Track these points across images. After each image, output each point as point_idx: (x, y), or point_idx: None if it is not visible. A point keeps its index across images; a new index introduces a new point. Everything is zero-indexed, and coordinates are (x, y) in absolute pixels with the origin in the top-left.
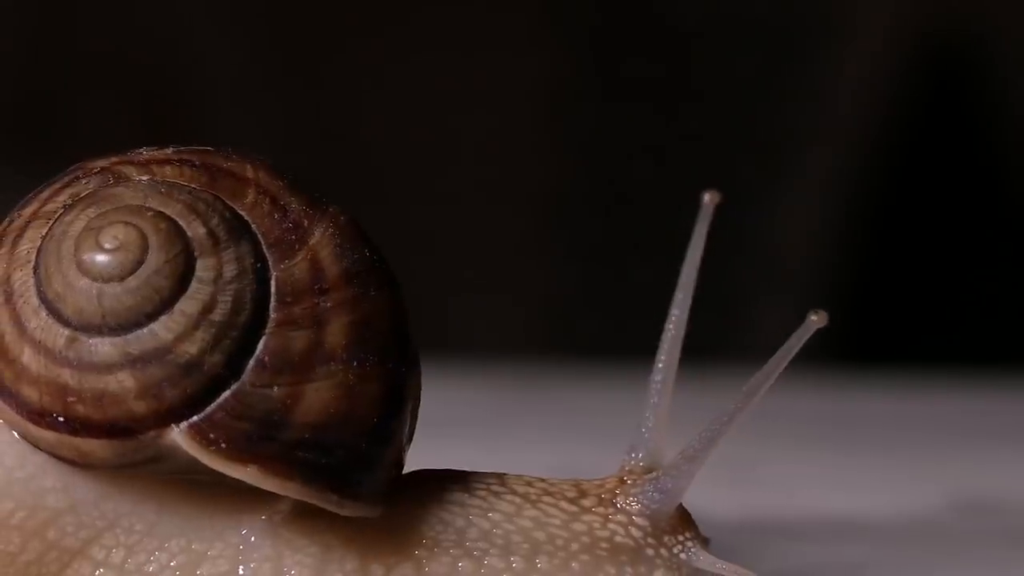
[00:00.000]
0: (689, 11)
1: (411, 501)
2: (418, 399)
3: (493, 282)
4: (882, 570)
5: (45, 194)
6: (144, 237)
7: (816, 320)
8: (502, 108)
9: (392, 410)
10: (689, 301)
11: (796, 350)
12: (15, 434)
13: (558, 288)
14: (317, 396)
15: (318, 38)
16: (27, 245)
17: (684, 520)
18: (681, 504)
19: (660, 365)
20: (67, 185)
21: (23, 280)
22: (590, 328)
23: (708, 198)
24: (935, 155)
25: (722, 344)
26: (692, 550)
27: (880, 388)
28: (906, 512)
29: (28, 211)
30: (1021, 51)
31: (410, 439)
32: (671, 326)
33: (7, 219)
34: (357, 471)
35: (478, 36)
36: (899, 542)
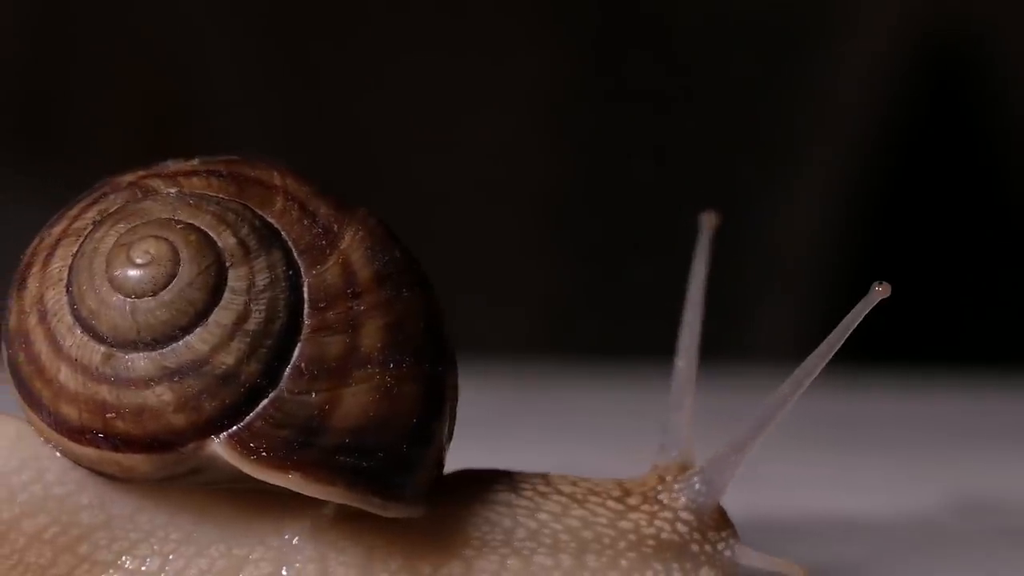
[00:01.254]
0: (690, 12)
1: (456, 502)
2: (456, 398)
3: (494, 282)
4: (882, 570)
5: (73, 211)
6: (175, 250)
7: (880, 291)
8: (503, 109)
9: (431, 410)
10: (702, 302)
11: (855, 325)
12: (57, 450)
13: (558, 288)
14: (355, 400)
15: (319, 39)
16: (58, 263)
17: (724, 516)
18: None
19: (681, 364)
20: (95, 201)
21: (56, 299)
22: (590, 328)
23: (707, 220)
24: (936, 155)
25: (723, 344)
26: (735, 546)
27: (880, 388)
28: (906, 512)
29: (57, 229)
30: (1022, 51)
31: (450, 438)
32: (688, 328)
33: (37, 238)
34: (399, 473)
35: (479, 37)
36: (899, 542)
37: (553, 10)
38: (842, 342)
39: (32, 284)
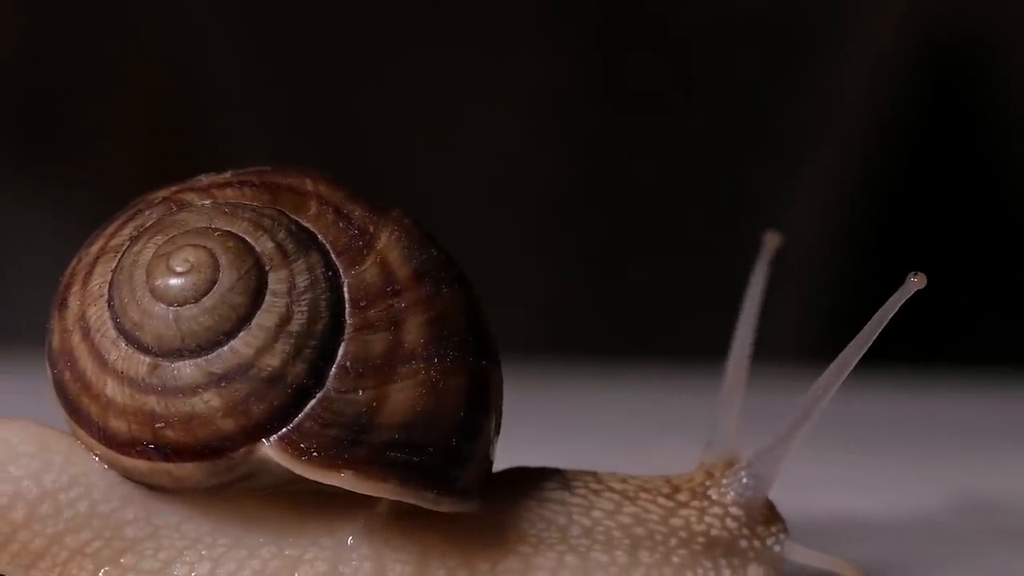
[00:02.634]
0: (693, 11)
1: (509, 499)
2: (501, 393)
3: (495, 282)
4: (882, 570)
5: (110, 229)
6: (214, 256)
7: (916, 282)
8: (506, 108)
9: (477, 404)
10: (758, 303)
11: (892, 314)
12: (104, 465)
13: (561, 288)
14: (402, 396)
15: (321, 39)
16: (98, 280)
17: (774, 511)
18: (768, 497)
19: (733, 363)
20: (130, 218)
21: (98, 315)
22: (593, 328)
23: (770, 240)
24: (940, 155)
25: (727, 343)
26: (785, 542)
27: (881, 388)
28: (907, 512)
29: (95, 248)
30: None
31: (497, 433)
32: (742, 326)
33: (75, 259)
34: (450, 467)
35: (481, 37)
36: (899, 542)
37: (556, 9)
38: (878, 332)
39: (73, 303)
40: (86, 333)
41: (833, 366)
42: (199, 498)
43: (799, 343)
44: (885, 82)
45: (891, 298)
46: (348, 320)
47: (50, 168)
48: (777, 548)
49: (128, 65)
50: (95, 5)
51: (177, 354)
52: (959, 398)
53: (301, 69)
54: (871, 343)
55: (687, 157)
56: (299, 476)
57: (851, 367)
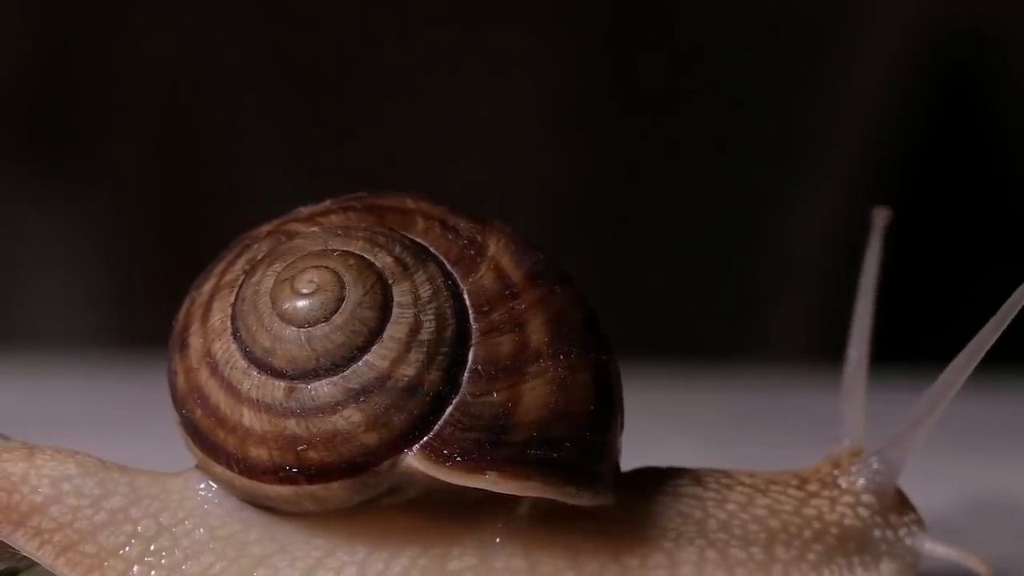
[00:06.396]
0: (704, 12)
1: (643, 496)
2: (621, 385)
3: None
4: None
5: (220, 267)
6: (337, 275)
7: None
8: (515, 110)
9: (604, 398)
10: (873, 293)
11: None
12: (219, 493)
13: None
14: (535, 394)
15: (334, 44)
16: (218, 315)
17: (906, 500)
18: (898, 487)
19: (853, 354)
20: (239, 254)
21: (224, 348)
22: (603, 329)
23: (879, 216)
24: (951, 156)
25: (736, 343)
26: (917, 534)
27: (883, 388)
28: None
29: (208, 286)
30: None
31: (622, 428)
32: (860, 318)
33: (187, 300)
34: (586, 461)
35: (491, 39)
36: None
37: (566, 12)
38: (1017, 309)
39: (195, 341)
40: (214, 368)
41: (969, 346)
42: (329, 518)
43: (808, 343)
44: (896, 83)
45: (1017, 290)
46: (474, 325)
47: (60, 170)
48: (910, 540)
49: (139, 69)
50: (105, 9)
51: (313, 374)
52: (957, 398)
53: (313, 69)
54: (1008, 321)
55: (696, 158)
56: (441, 484)
57: (987, 347)
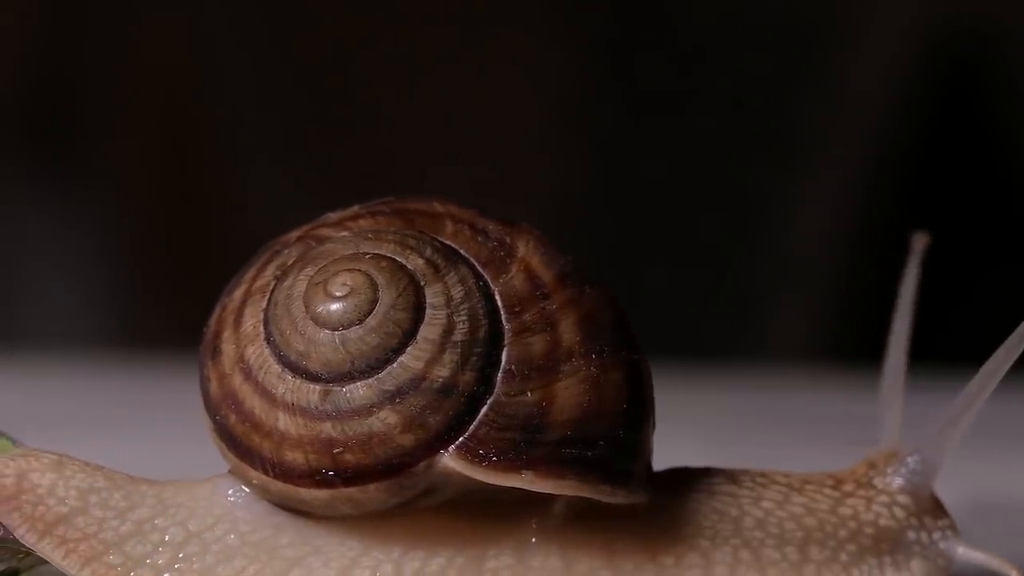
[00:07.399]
0: (704, 13)
1: (677, 495)
2: (652, 384)
3: None
4: None
5: (250, 274)
6: (370, 277)
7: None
8: (516, 111)
9: (636, 396)
10: (912, 300)
11: None
12: (249, 498)
13: None
14: (568, 393)
15: (334, 44)
16: (250, 321)
17: (941, 506)
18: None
19: (892, 360)
20: (269, 260)
21: (257, 353)
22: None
23: (918, 242)
24: (952, 156)
25: (736, 343)
26: (951, 538)
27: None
28: None
29: (239, 293)
30: None
31: (654, 427)
32: (899, 322)
33: (218, 307)
34: (620, 459)
35: (492, 39)
36: None
37: (567, 12)
38: None
39: (227, 347)
40: (248, 373)
41: (1007, 343)
42: (362, 521)
43: (808, 344)
44: (896, 83)
45: None
46: (506, 326)
47: (60, 170)
48: (942, 545)
49: (139, 68)
50: (106, 8)
51: (348, 377)
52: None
53: (314, 69)
54: None
55: (697, 158)
56: (476, 485)
57: (1019, 350)
